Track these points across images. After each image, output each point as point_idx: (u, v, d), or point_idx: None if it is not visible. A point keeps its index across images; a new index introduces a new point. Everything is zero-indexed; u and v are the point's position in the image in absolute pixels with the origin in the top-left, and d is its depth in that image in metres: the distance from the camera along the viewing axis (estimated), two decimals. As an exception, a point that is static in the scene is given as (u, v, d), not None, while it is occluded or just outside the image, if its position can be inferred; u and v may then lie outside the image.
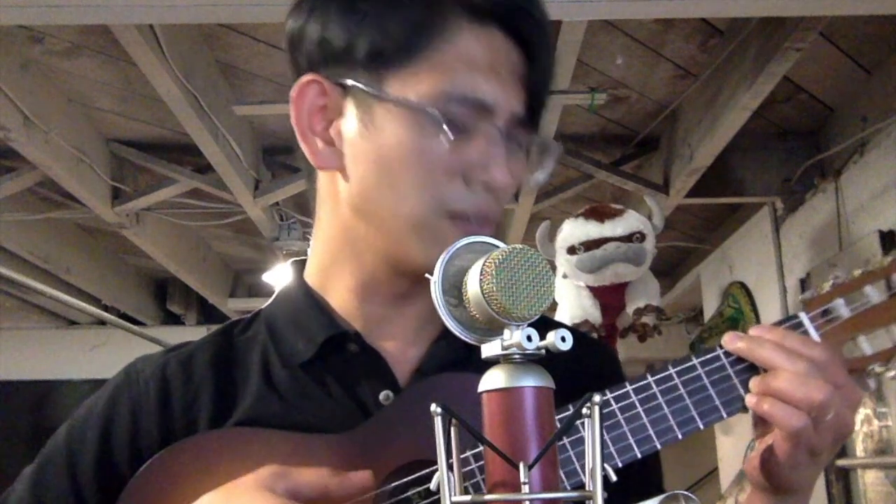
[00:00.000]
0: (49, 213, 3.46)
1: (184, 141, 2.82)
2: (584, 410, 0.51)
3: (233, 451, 0.76)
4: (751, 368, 0.77)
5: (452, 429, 0.51)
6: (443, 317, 0.52)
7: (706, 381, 0.77)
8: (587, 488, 0.50)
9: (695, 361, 0.78)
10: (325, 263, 0.86)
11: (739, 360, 0.78)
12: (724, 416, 0.77)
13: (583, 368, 0.76)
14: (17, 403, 5.36)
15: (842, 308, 0.81)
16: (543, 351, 0.50)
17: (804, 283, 3.08)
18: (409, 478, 0.74)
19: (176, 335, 4.45)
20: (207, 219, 3.64)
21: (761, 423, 0.78)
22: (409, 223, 0.76)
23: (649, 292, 2.88)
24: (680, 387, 0.77)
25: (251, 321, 0.89)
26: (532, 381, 0.50)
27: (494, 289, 0.49)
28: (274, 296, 0.91)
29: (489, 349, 0.52)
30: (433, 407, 0.50)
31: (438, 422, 0.50)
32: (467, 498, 0.49)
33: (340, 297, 0.84)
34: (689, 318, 5.11)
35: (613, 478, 0.52)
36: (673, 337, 4.88)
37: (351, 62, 0.76)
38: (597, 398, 0.51)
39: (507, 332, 0.50)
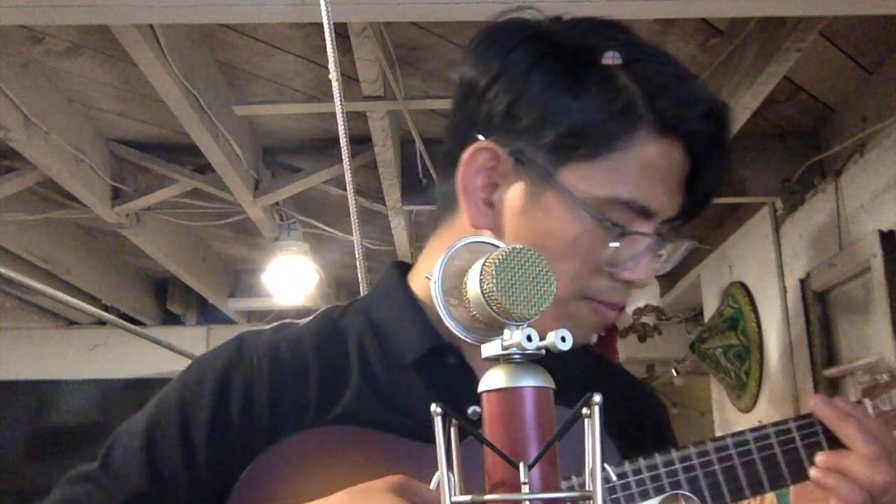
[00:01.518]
0: (49, 213, 3.46)
1: (184, 141, 2.82)
2: (585, 410, 0.51)
3: (347, 449, 0.78)
4: (815, 444, 0.85)
5: (452, 430, 0.51)
6: (443, 317, 0.52)
7: (777, 449, 0.85)
8: (587, 488, 0.50)
9: (769, 430, 0.85)
10: None
11: (807, 434, 0.85)
12: (789, 482, 0.85)
13: (640, 413, 0.83)
14: (17, 403, 5.36)
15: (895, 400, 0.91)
16: (543, 351, 0.50)
17: (804, 283, 3.08)
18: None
19: (176, 335, 4.45)
20: (207, 219, 3.64)
21: (804, 497, 0.87)
22: None
23: (649, 292, 2.88)
24: (754, 452, 0.84)
25: (345, 310, 0.91)
26: (532, 381, 0.50)
27: (494, 289, 0.49)
28: (372, 291, 0.93)
29: (489, 349, 0.52)
30: (433, 407, 0.50)
31: (438, 422, 0.50)
32: (467, 498, 0.49)
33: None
34: (689, 318, 5.10)
35: (613, 478, 0.52)
36: (673, 337, 4.87)
37: (534, 141, 0.79)
38: (597, 398, 0.51)
39: (507, 332, 0.50)
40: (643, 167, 0.78)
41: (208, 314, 5.37)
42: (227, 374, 0.84)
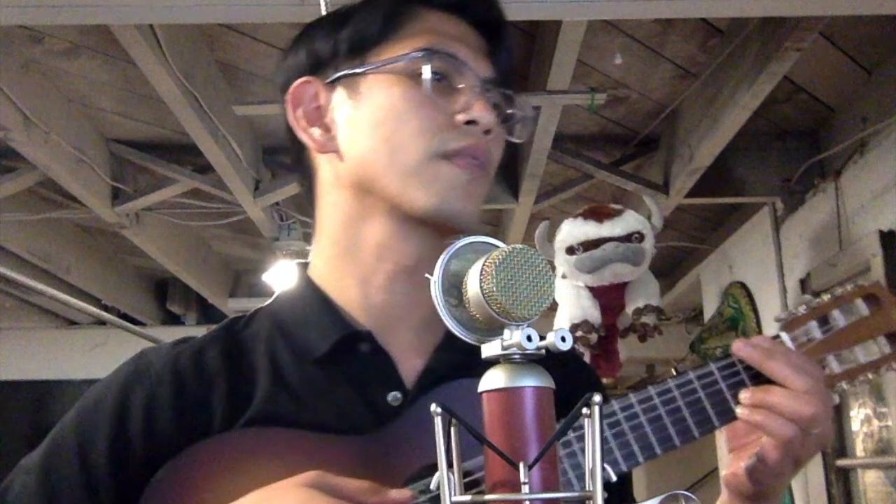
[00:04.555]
0: (49, 213, 3.46)
1: (184, 141, 2.82)
2: (585, 410, 0.51)
3: (258, 451, 0.76)
4: (739, 384, 0.83)
5: (452, 429, 0.51)
6: (443, 317, 0.52)
7: (702, 393, 0.83)
8: (587, 488, 0.50)
9: (691, 375, 0.84)
10: (330, 260, 0.88)
11: (731, 374, 0.84)
12: (718, 426, 0.83)
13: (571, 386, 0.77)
14: (17, 403, 5.36)
15: (815, 330, 0.90)
16: (543, 351, 0.50)
17: (804, 283, 3.08)
18: (422, 482, 0.74)
19: (176, 335, 4.43)
20: (207, 219, 3.64)
21: (737, 436, 0.85)
22: (408, 169, 0.81)
23: (649, 292, 2.88)
24: (678, 398, 0.82)
25: (251, 318, 0.89)
26: (532, 381, 0.50)
27: (494, 289, 0.49)
28: (276, 295, 0.91)
29: (489, 349, 0.51)
30: (433, 407, 0.50)
31: (438, 422, 0.50)
32: (467, 498, 0.49)
33: (346, 293, 0.86)
34: (689, 318, 5.11)
35: (613, 478, 0.52)
36: (673, 337, 4.88)
37: (336, 60, 0.85)
38: (597, 398, 0.51)
39: (507, 332, 0.50)
40: (434, 31, 0.84)
41: (208, 314, 5.37)
42: (126, 392, 0.81)
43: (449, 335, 0.84)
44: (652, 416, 0.81)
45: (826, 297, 0.91)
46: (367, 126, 0.83)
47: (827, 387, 0.85)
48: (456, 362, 0.81)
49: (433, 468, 0.74)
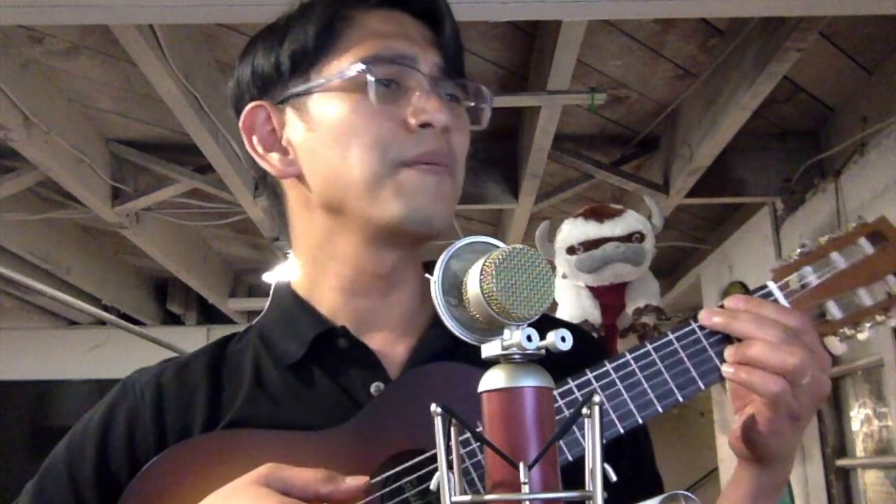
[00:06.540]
0: (49, 213, 3.46)
1: (184, 141, 2.82)
2: (585, 410, 0.51)
3: (225, 453, 0.77)
4: (725, 339, 0.78)
5: (452, 428, 0.51)
6: (443, 317, 0.52)
7: (682, 354, 0.78)
8: (587, 488, 0.50)
9: (671, 336, 0.79)
10: (309, 273, 0.89)
11: (714, 331, 0.79)
12: (702, 386, 0.79)
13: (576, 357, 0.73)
14: (17, 403, 5.36)
15: (810, 275, 0.83)
16: (543, 351, 0.50)
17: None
18: (402, 467, 0.75)
19: (176, 335, 4.45)
20: (207, 219, 3.64)
21: (739, 396, 0.80)
22: (369, 182, 0.80)
23: (649, 292, 2.88)
24: (657, 362, 0.78)
25: (245, 332, 0.91)
26: (532, 381, 0.50)
27: (494, 289, 0.49)
28: (265, 309, 0.93)
29: (489, 349, 0.51)
30: (433, 407, 0.50)
31: (438, 422, 0.50)
32: (467, 498, 0.49)
33: (327, 298, 0.87)
34: (689, 317, 5.10)
35: (613, 478, 0.52)
36: (673, 337, 4.86)
37: (281, 80, 0.84)
38: (597, 399, 0.51)
39: (507, 332, 0.50)
40: (375, 33, 0.82)
41: (208, 314, 5.37)
42: (112, 411, 0.84)
43: (433, 322, 0.85)
44: (631, 381, 0.77)
45: (823, 240, 0.84)
46: (324, 147, 0.81)
47: (829, 334, 0.81)
48: (440, 349, 0.81)
49: (409, 454, 0.75)
